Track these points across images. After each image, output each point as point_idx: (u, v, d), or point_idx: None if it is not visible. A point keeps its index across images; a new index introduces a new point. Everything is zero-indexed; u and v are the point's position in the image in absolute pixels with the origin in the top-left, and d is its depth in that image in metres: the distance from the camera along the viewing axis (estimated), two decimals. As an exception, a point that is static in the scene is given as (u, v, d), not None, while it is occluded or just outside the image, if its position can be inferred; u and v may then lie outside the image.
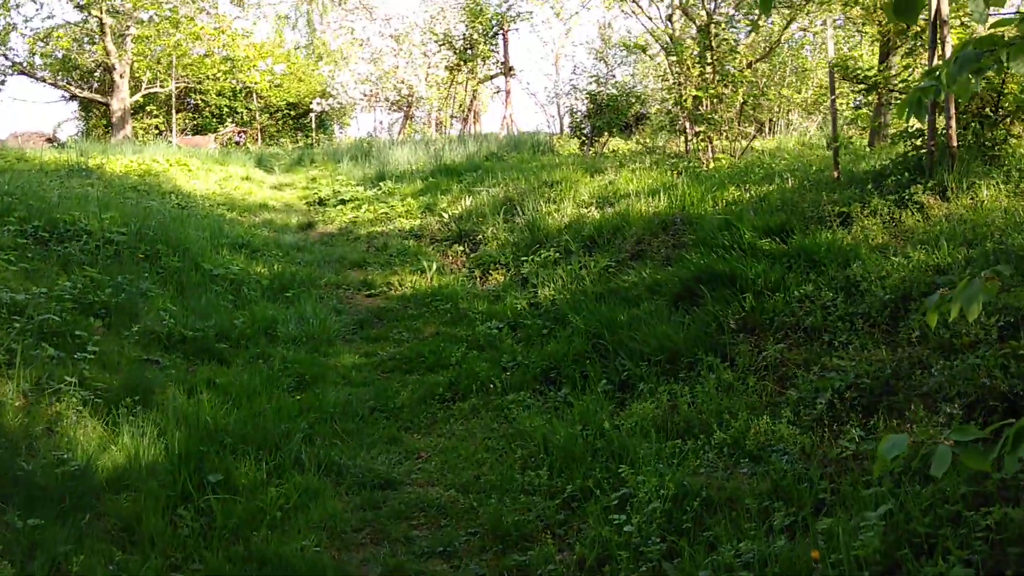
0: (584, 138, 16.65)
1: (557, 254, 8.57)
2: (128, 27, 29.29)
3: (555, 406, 5.88)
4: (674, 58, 11.39)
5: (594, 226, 8.71)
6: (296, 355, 7.02)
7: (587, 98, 16.59)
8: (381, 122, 41.69)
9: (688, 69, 11.01)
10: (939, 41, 6.86)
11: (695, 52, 11.23)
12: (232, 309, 7.95)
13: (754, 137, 11.90)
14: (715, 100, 10.91)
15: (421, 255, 10.22)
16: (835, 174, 8.28)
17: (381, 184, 14.62)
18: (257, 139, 35.50)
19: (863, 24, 13.13)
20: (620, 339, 6.40)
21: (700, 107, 11.05)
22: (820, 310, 5.79)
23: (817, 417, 4.83)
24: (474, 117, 23.63)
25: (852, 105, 14.62)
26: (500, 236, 9.95)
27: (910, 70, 8.75)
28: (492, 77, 23.86)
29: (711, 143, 11.07)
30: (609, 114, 16.17)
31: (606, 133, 16.45)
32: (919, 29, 8.02)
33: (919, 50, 8.24)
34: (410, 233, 11.60)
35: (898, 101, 8.63)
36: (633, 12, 23.10)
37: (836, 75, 8.73)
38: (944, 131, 7.12)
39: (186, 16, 23.30)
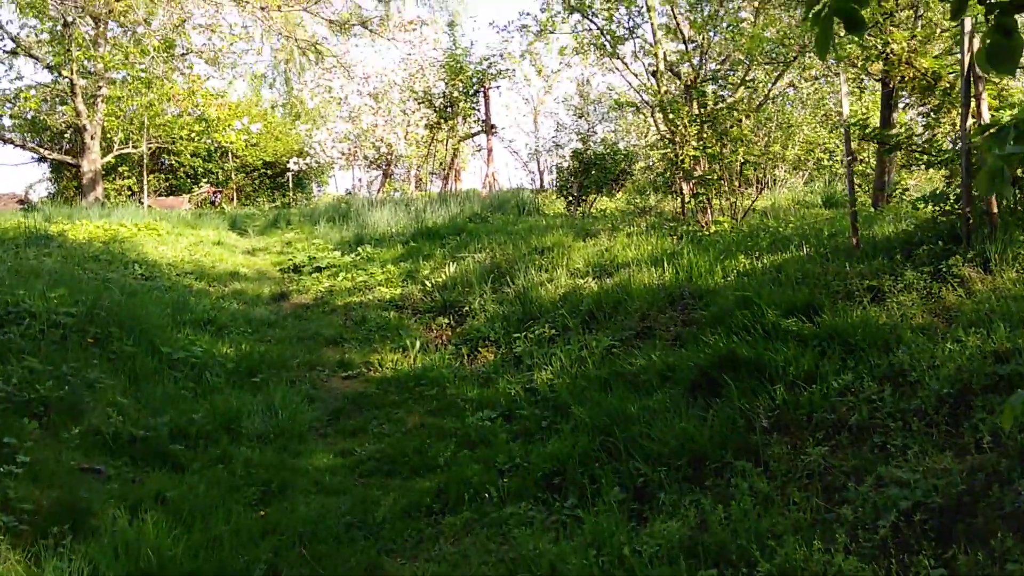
0: (571, 197, 16.04)
1: (553, 331, 7.80)
2: (100, 87, 28.70)
3: (562, 521, 5.04)
4: (669, 115, 10.77)
5: (592, 299, 7.96)
6: (262, 456, 6.15)
7: (573, 156, 16.01)
8: (360, 179, 41.20)
9: (684, 128, 10.41)
10: (973, 97, 6.24)
11: (690, 110, 10.63)
12: (192, 399, 7.09)
13: (756, 198, 11.27)
14: (713, 160, 10.30)
15: (403, 330, 9.42)
16: (854, 241, 7.61)
17: (359, 249, 13.87)
18: (233, 199, 34.78)
19: (862, 78, 12.67)
20: (632, 436, 5.60)
21: (697, 167, 10.43)
22: (865, 405, 5.04)
23: (880, 544, 4.03)
24: (455, 175, 23.06)
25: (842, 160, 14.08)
26: (488, 308, 9.18)
27: (931, 130, 8.14)
28: (473, 135, 23.35)
29: (709, 204, 10.44)
30: (596, 173, 15.58)
31: (593, 192, 15.84)
32: (947, 85, 7.43)
33: (947, 106, 7.67)
34: (390, 304, 10.81)
35: (919, 160, 8.04)
36: (616, 69, 22.78)
37: (853, 133, 8.12)
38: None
39: (158, 77, 22.66)
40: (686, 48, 18.32)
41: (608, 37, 16.08)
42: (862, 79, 12.99)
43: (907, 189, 8.15)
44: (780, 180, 23.79)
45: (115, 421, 6.21)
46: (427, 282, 11.03)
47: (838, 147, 23.45)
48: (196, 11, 22.11)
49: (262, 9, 17.70)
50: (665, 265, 8.16)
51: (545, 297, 8.57)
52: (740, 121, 10.53)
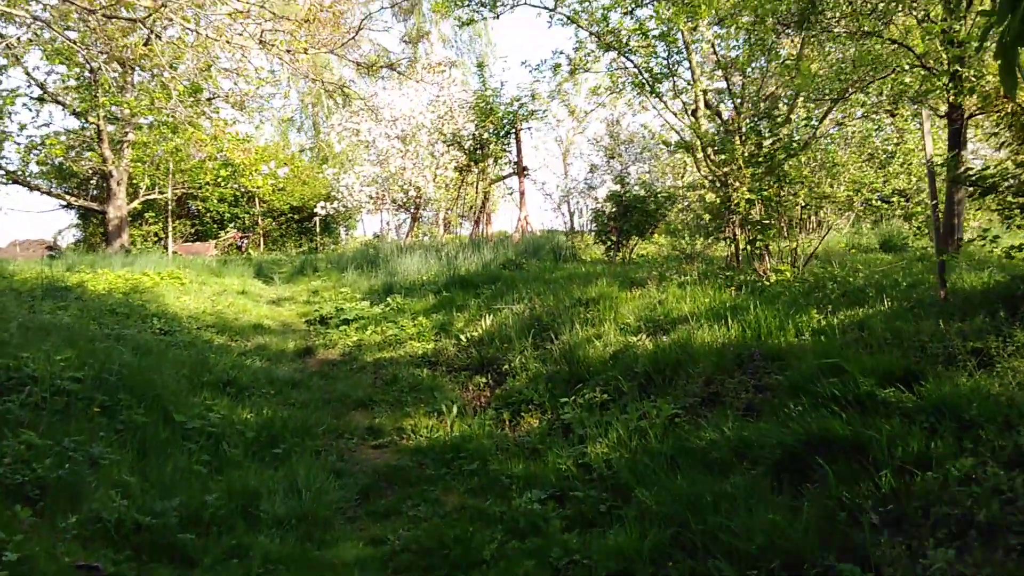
0: (610, 242, 15.30)
1: (605, 395, 7.01)
2: (126, 133, 28.56)
3: (638, 642, 4.24)
4: (718, 155, 10.00)
5: (648, 359, 7.17)
6: (282, 548, 5.39)
7: (610, 199, 15.30)
8: (388, 222, 40.84)
9: (738, 168, 9.65)
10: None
11: (744, 151, 9.86)
12: (206, 476, 6.36)
13: (819, 245, 10.45)
14: (768, 203, 9.53)
15: (437, 390, 8.67)
16: (942, 294, 6.80)
17: (389, 299, 13.20)
18: (260, 244, 34.43)
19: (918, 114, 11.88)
20: (710, 529, 4.79)
21: (751, 211, 9.66)
22: (994, 497, 4.21)
23: None
24: (486, 218, 22.45)
25: (876, 198, 13.23)
26: (530, 367, 8.41)
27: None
28: (504, 177, 22.76)
29: (767, 251, 9.66)
30: (636, 216, 14.86)
31: (633, 236, 15.10)
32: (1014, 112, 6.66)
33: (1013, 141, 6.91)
34: (423, 360, 10.09)
35: (1012, 204, 7.23)
36: (654, 108, 22.15)
37: (938, 175, 7.36)
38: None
39: (185, 120, 22.35)
40: (728, 85, 17.68)
41: (647, 75, 15.45)
42: (918, 115, 12.20)
43: (997, 236, 7.30)
44: (826, 222, 22.93)
45: (119, 506, 5.48)
46: (462, 336, 10.31)
47: (884, 187, 22.66)
48: (222, 54, 21.86)
49: (288, 52, 17.34)
50: (728, 321, 7.36)
51: (593, 356, 7.79)
52: (799, 161, 9.76)
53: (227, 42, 18.85)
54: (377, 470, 6.89)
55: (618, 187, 15.58)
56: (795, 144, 9.84)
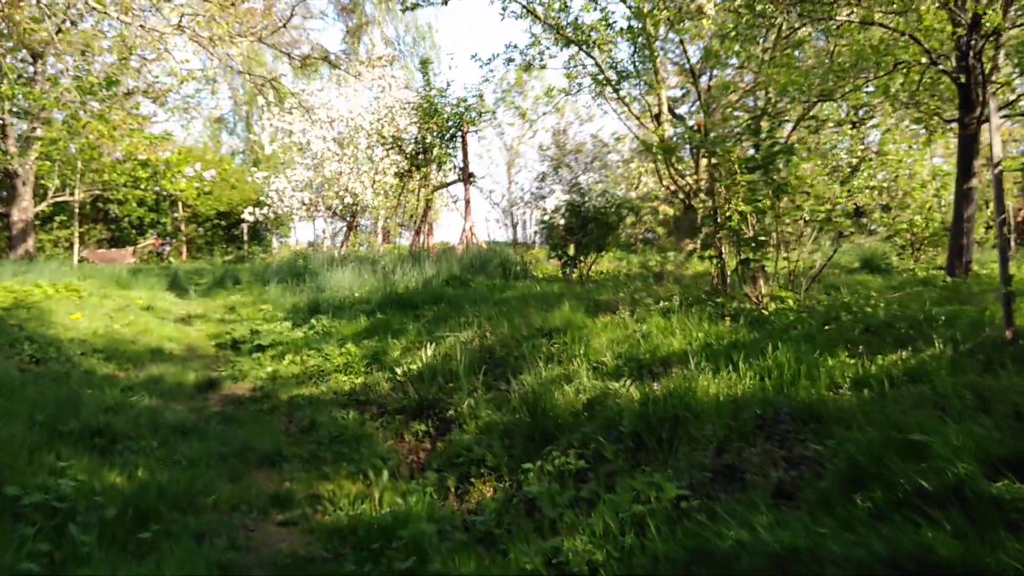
0: (566, 258, 13.72)
1: (581, 461, 5.37)
2: (34, 129, 26.16)
3: None
4: (706, 161, 8.44)
5: (635, 415, 5.55)
6: None
7: (568, 210, 13.74)
8: (323, 231, 38.79)
9: (732, 176, 8.10)
10: None
11: (736, 155, 8.29)
12: (36, 580, 4.57)
13: (824, 265, 8.99)
14: (762, 216, 8.05)
15: (365, 441, 6.93)
16: (1008, 334, 5.35)
17: (314, 320, 11.42)
18: (183, 252, 32.12)
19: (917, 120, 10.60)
20: None
21: (743, 225, 8.15)
22: None
23: None
24: (428, 229, 20.74)
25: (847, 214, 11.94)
26: (481, 414, 6.74)
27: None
28: (449, 184, 21.09)
29: (763, 273, 8.16)
30: (596, 229, 13.32)
31: (592, 252, 13.56)
32: None
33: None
34: (350, 398, 8.35)
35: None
36: (614, 111, 20.67)
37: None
38: None
39: (95, 115, 20.11)
40: (696, 88, 16.31)
41: (611, 72, 13.98)
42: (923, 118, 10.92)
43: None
44: (808, 239, 21.66)
45: None
46: (397, 369, 8.59)
47: (848, 202, 21.56)
48: (140, 46, 19.76)
49: (210, 39, 15.50)
50: (736, 364, 5.80)
51: (563, 405, 6.15)
52: (796, 167, 8.30)
53: (141, 26, 16.82)
54: (280, 563, 5.14)
55: (573, 196, 14.01)
56: (797, 146, 8.36)
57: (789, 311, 7.29)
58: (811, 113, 13.33)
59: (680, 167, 13.63)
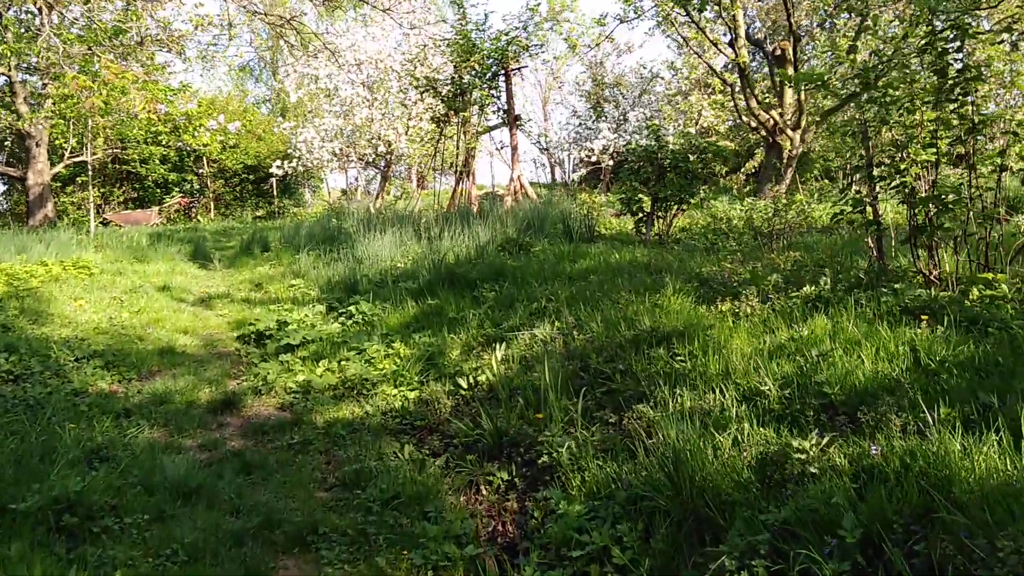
0: (641, 215, 11.66)
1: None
2: (45, 85, 24.40)
3: None
4: (884, 91, 6.17)
5: (848, 498, 3.62)
6: None
7: (642, 157, 11.63)
8: (356, 178, 36.86)
9: (910, 107, 5.90)
10: None
11: (922, 79, 6.05)
12: None
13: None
14: (955, 166, 5.95)
15: (429, 504, 5.09)
16: None
17: (352, 305, 9.56)
18: (210, 209, 30.45)
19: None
20: None
21: (920, 180, 6.04)
22: None
23: None
24: (470, 178, 18.71)
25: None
26: (590, 466, 4.84)
27: None
28: (492, 128, 18.98)
29: (959, 243, 6.07)
30: (677, 179, 11.23)
31: (673, 206, 11.48)
32: None
33: None
34: (403, 422, 6.52)
35: None
36: (679, 36, 18.36)
37: None
38: None
39: (106, 64, 18.14)
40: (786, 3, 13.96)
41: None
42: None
43: None
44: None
45: None
46: (461, 381, 6.72)
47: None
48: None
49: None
50: (995, 413, 3.82)
51: (719, 470, 4.21)
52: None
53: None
54: None
55: (647, 141, 11.88)
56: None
57: (1004, 301, 5.25)
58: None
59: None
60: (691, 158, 11.16)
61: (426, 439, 6.19)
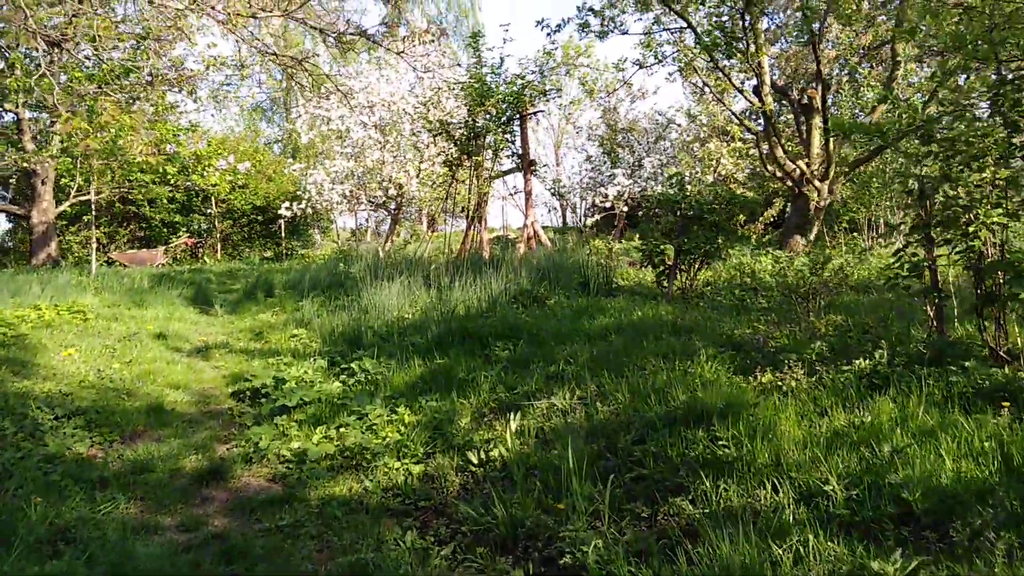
0: (663, 267, 11.05)
1: None
2: (52, 123, 24.11)
3: None
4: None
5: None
6: None
7: (664, 205, 11.04)
8: (367, 219, 36.50)
9: (981, 167, 5.29)
10: None
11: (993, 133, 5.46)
12: None
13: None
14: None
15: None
16: None
17: (355, 362, 8.93)
18: (217, 249, 29.99)
19: None
20: None
21: (987, 246, 5.42)
22: None
23: None
24: (482, 223, 18.15)
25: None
26: (622, 572, 4.17)
27: None
28: (506, 173, 18.48)
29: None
30: (702, 232, 10.64)
31: (698, 259, 10.87)
32: None
33: None
34: (406, 503, 5.85)
35: None
36: (703, 84, 17.89)
37: None
38: None
39: (103, 104, 17.78)
40: (814, 49, 13.47)
41: (716, 34, 11.22)
42: None
43: None
44: (901, 228, 18.64)
45: None
46: (471, 454, 6.07)
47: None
48: (153, 23, 17.43)
49: (236, 15, 13.10)
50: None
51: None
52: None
53: (149, 2, 14.44)
54: None
55: (670, 189, 11.31)
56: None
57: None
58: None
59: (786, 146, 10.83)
60: (716, 208, 10.58)
61: (431, 523, 5.51)
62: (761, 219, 23.24)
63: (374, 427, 6.96)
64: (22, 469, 6.21)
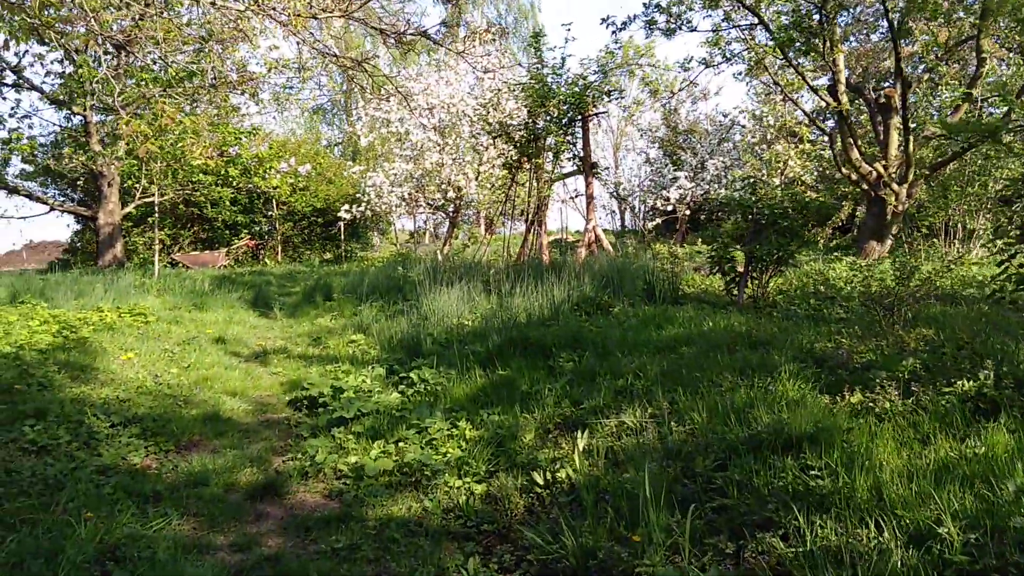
0: (733, 275, 10.58)
1: None
2: (118, 125, 24.49)
3: None
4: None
5: None
6: None
7: (737, 210, 10.58)
8: (426, 221, 36.52)
9: None
10: None
11: None
12: None
13: None
14: None
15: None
16: None
17: (414, 370, 8.67)
18: (278, 252, 30.19)
19: None
20: None
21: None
22: None
23: None
24: (542, 228, 17.79)
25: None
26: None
27: None
28: (565, 176, 18.11)
29: None
30: (776, 238, 10.15)
31: (771, 266, 10.39)
32: None
33: None
34: (468, 525, 5.54)
35: None
36: (774, 83, 17.33)
37: None
38: None
39: (161, 108, 17.88)
40: (894, 45, 12.85)
41: (792, 31, 10.71)
42: None
43: None
44: (978, 233, 17.72)
45: None
46: (536, 475, 5.74)
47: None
48: (215, 25, 17.50)
49: (296, 15, 12.94)
50: None
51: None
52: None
53: (211, 4, 14.41)
54: None
55: (742, 193, 10.84)
56: None
57: None
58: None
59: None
60: (790, 213, 10.08)
61: (495, 549, 5.19)
62: (829, 223, 22.48)
63: (434, 442, 6.67)
64: (74, 480, 6.06)
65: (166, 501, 5.97)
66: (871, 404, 5.26)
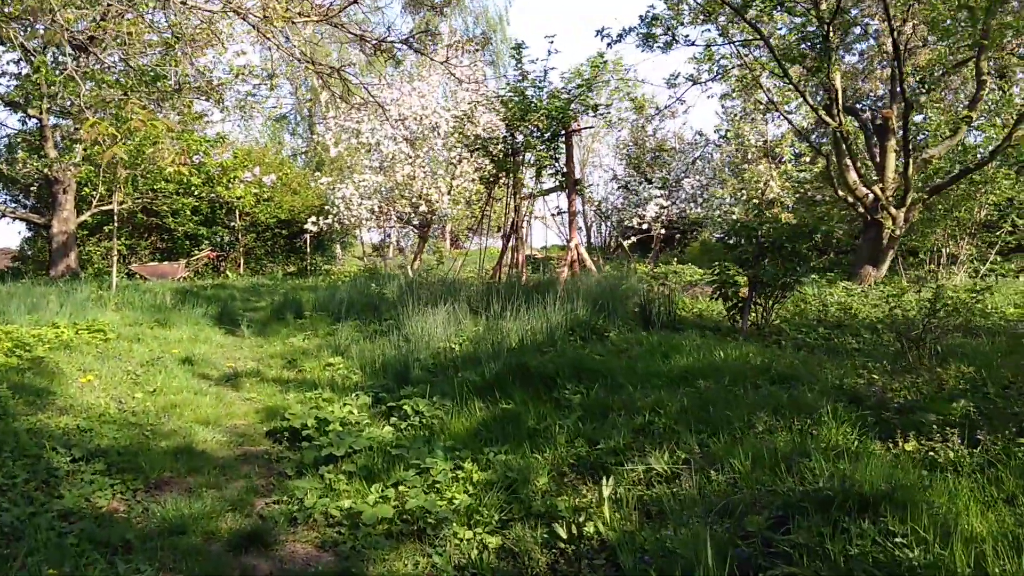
0: (735, 300, 10.12)
1: None
2: (77, 129, 23.45)
3: None
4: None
5: None
6: None
7: (741, 233, 10.13)
8: (389, 234, 35.79)
9: None
10: None
11: None
12: None
13: None
14: None
15: None
16: None
17: (406, 401, 8.03)
18: (239, 264, 29.24)
19: None
20: None
21: None
22: None
23: None
24: (520, 244, 17.24)
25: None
26: None
27: None
28: (547, 192, 17.61)
29: None
30: (780, 263, 9.71)
31: (776, 292, 9.94)
32: None
33: None
34: (485, 587, 4.94)
35: None
36: (768, 102, 17.01)
37: None
38: None
39: (133, 110, 17.01)
40: (898, 57, 12.55)
41: (800, 46, 10.33)
42: None
43: None
44: (961, 259, 17.54)
45: None
46: (559, 527, 5.15)
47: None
48: (185, 28, 16.73)
49: (264, 19, 12.28)
50: None
51: None
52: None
53: (182, 2, 13.62)
54: None
55: (746, 216, 10.39)
56: None
57: None
58: None
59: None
60: (797, 236, 9.65)
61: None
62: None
63: (437, 485, 6.05)
64: (34, 528, 5.35)
65: (138, 553, 5.28)
66: (932, 455, 4.77)
